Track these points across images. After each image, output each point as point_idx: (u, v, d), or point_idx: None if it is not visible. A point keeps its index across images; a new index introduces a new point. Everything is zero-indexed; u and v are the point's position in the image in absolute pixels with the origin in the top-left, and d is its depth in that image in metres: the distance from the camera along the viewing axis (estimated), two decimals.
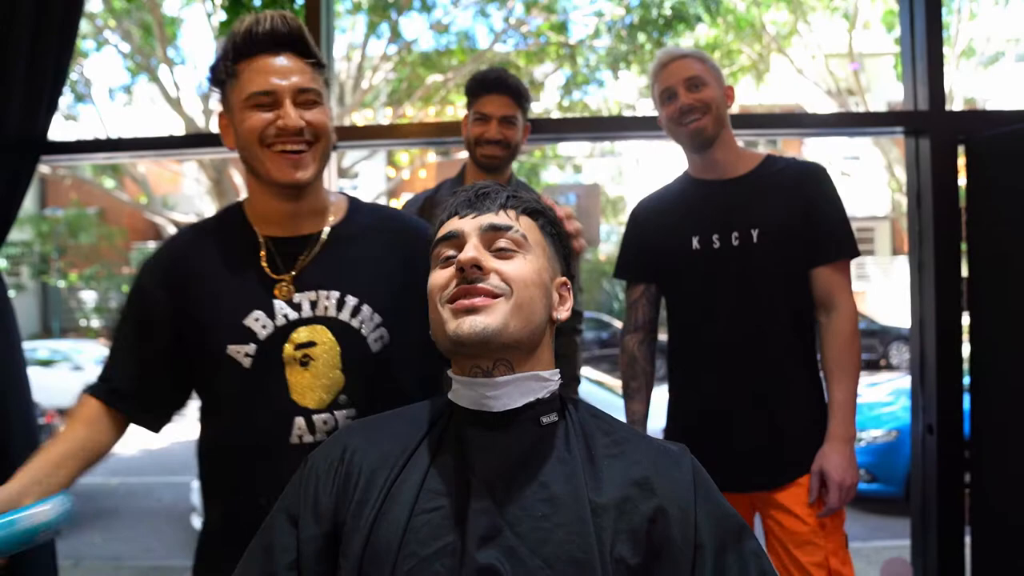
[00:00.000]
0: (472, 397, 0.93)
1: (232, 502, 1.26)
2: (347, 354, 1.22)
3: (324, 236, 1.27)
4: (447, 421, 0.97)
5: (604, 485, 0.89)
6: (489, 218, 0.95)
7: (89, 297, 19.47)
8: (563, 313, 1.00)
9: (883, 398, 6.24)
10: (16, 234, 13.87)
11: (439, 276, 0.95)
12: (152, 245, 19.05)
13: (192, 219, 14.14)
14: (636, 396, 1.88)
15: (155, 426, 1.31)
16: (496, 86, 2.05)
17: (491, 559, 0.82)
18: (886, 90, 17.10)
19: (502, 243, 0.94)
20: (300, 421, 1.18)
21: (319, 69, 1.21)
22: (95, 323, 19.45)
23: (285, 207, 1.24)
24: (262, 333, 1.20)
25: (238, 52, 1.17)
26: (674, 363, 1.88)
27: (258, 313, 1.20)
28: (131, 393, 1.25)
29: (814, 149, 19.60)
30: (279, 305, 1.21)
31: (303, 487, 0.94)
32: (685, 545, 0.86)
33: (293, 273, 1.23)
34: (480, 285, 0.90)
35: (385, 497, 0.89)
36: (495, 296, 0.90)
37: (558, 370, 0.99)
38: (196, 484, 5.16)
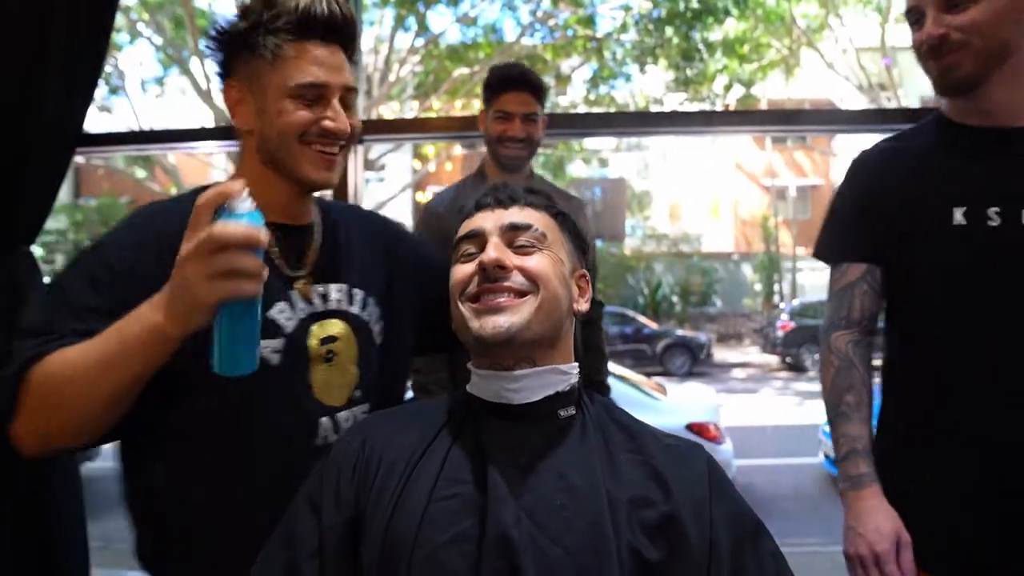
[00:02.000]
0: (492, 390, 0.95)
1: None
2: (361, 348, 1.15)
3: (316, 226, 1.17)
4: (465, 412, 0.98)
5: (621, 478, 0.90)
6: (510, 216, 0.97)
7: None
8: (583, 305, 1.01)
9: None
10: (51, 222, 14.12)
11: (460, 272, 0.97)
12: None
13: None
14: (854, 416, 1.31)
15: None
16: (518, 83, 2.01)
17: (509, 539, 0.83)
18: (919, 85, 16.82)
19: (522, 240, 0.96)
20: (326, 421, 1.09)
21: (352, 66, 1.12)
22: None
23: (297, 200, 1.13)
24: (288, 326, 1.08)
25: (288, 29, 1.03)
26: (902, 393, 1.35)
27: (282, 305, 1.08)
28: None
29: (844, 144, 19.38)
30: (295, 296, 1.10)
31: (324, 477, 0.96)
32: (701, 542, 0.87)
33: (307, 269, 1.13)
34: (504, 284, 0.92)
35: (404, 486, 0.90)
36: (521, 295, 0.92)
37: (577, 363, 1.00)
38: None
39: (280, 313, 1.07)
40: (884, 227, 1.31)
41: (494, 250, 0.93)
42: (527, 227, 0.96)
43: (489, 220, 0.97)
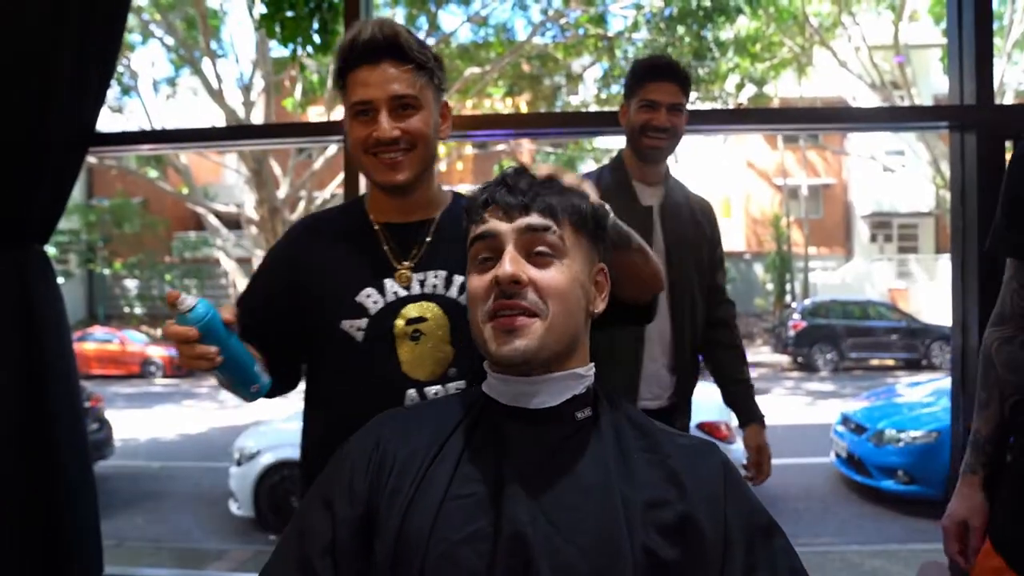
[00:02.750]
0: (510, 394, 0.95)
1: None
2: (456, 329, 1.26)
3: (435, 224, 1.34)
4: (480, 411, 0.98)
5: (636, 478, 0.90)
6: (526, 219, 0.94)
7: (133, 285, 19.94)
8: (600, 305, 1.00)
9: (924, 399, 6.13)
10: (64, 223, 14.25)
11: (478, 284, 0.94)
12: (193, 235, 19.48)
13: (232, 209, 14.43)
14: (983, 413, 1.37)
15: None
16: (666, 73, 1.96)
17: (523, 538, 0.83)
18: (933, 83, 16.70)
19: (540, 247, 0.93)
20: (412, 392, 1.24)
21: (420, 71, 1.25)
22: (138, 310, 19.92)
23: (394, 201, 1.32)
24: (373, 308, 1.26)
25: (344, 64, 1.26)
26: None
27: (369, 290, 1.27)
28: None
29: (857, 143, 19.27)
30: (389, 283, 1.28)
31: (338, 474, 0.96)
32: (715, 541, 0.87)
33: (411, 262, 1.31)
34: (518, 301, 0.90)
35: (419, 483, 0.91)
36: (532, 315, 0.91)
37: (592, 364, 1.00)
38: (233, 470, 5.33)
39: (367, 298, 1.27)
40: None
41: (510, 263, 0.91)
42: (545, 229, 0.93)
43: (505, 222, 0.94)
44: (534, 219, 0.93)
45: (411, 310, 1.27)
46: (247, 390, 1.15)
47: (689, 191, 2.14)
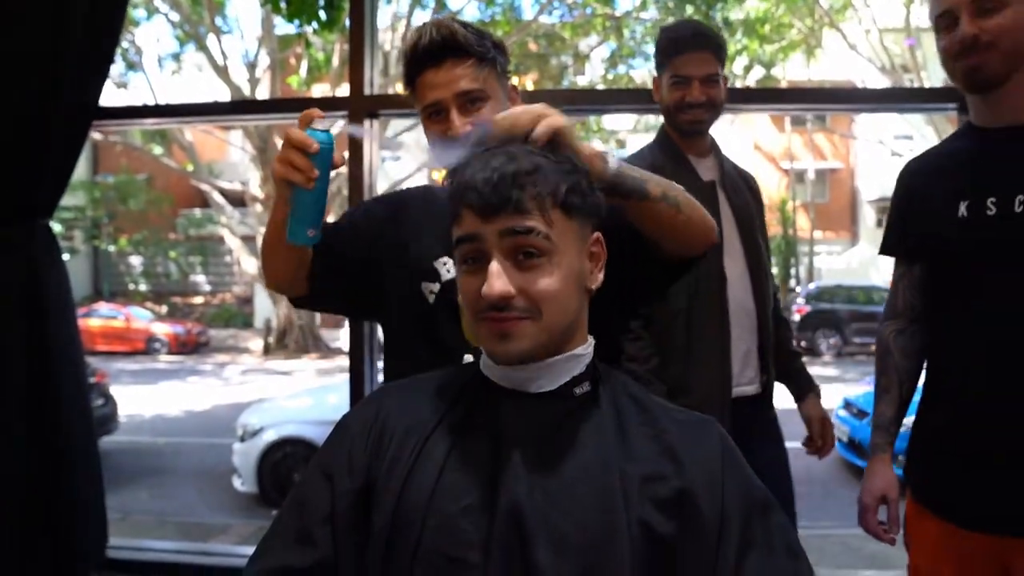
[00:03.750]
0: (508, 377, 0.94)
1: None
2: None
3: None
4: (479, 385, 0.98)
5: (633, 453, 0.89)
6: (509, 221, 0.88)
7: (137, 262, 19.99)
8: (597, 279, 0.96)
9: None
10: (69, 199, 14.25)
11: (467, 287, 0.91)
12: (198, 212, 19.48)
13: (237, 186, 14.41)
14: (883, 397, 1.56)
15: (306, 300, 1.40)
16: (694, 43, 1.83)
17: (520, 510, 0.84)
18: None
19: (526, 248, 0.88)
20: (469, 357, 1.27)
21: (482, 62, 1.28)
22: (143, 287, 19.98)
23: None
24: (445, 276, 1.31)
25: (411, 72, 1.31)
26: (929, 363, 1.53)
27: (446, 258, 1.32)
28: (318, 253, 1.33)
29: (865, 127, 19.14)
30: None
31: (337, 446, 0.96)
32: (712, 516, 0.87)
33: None
34: (508, 313, 0.87)
35: (417, 456, 0.91)
36: (524, 318, 0.88)
37: (591, 339, 0.98)
38: (237, 446, 5.36)
39: (443, 265, 1.32)
40: (910, 228, 1.50)
41: (497, 281, 0.86)
42: (527, 232, 0.87)
43: (484, 222, 0.88)
44: (515, 222, 0.87)
45: None
46: (303, 229, 1.12)
47: (733, 162, 2.02)
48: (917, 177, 1.52)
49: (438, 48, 1.27)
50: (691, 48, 1.82)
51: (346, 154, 1.18)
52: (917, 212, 1.48)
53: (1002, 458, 1.31)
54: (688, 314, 1.82)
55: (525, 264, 0.88)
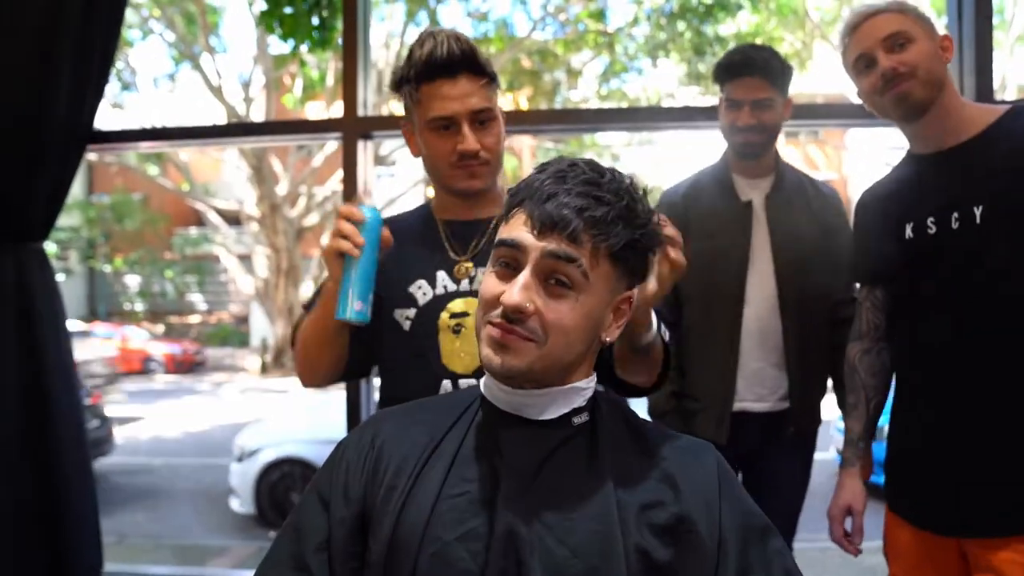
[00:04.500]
0: (508, 402, 0.93)
1: None
2: None
3: (495, 222, 1.33)
4: (477, 410, 0.98)
5: (631, 480, 0.89)
6: (555, 242, 0.87)
7: (133, 282, 19.93)
8: (613, 334, 0.95)
9: None
10: (65, 219, 14.24)
11: (490, 289, 0.90)
12: (193, 231, 19.47)
13: (233, 206, 14.43)
14: (852, 413, 1.64)
15: (350, 372, 1.43)
16: (744, 69, 1.89)
17: (517, 538, 0.83)
18: None
19: (560, 276, 0.87)
20: (447, 384, 1.28)
21: (492, 83, 1.31)
22: (139, 307, 19.92)
23: (462, 201, 1.38)
24: (422, 300, 1.33)
25: (419, 77, 1.29)
26: (896, 378, 1.62)
27: (421, 282, 1.34)
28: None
29: (857, 140, 19.23)
30: (442, 276, 1.34)
31: (334, 472, 0.96)
32: (710, 542, 0.86)
33: (470, 255, 1.36)
34: (517, 328, 0.87)
35: (414, 483, 0.90)
36: (528, 339, 0.87)
37: (594, 375, 0.97)
38: (234, 466, 5.33)
39: (418, 289, 1.34)
40: (868, 252, 1.62)
41: (519, 292, 0.86)
42: (568, 259, 0.87)
43: (533, 236, 0.88)
44: (562, 247, 0.86)
45: (457, 304, 1.32)
46: (351, 303, 1.18)
47: (811, 181, 2.04)
48: (871, 203, 1.63)
49: (456, 62, 1.27)
50: (742, 73, 1.90)
51: (387, 235, 1.25)
52: (874, 237, 1.59)
53: (960, 465, 1.39)
54: (700, 327, 1.91)
55: (553, 290, 0.88)
